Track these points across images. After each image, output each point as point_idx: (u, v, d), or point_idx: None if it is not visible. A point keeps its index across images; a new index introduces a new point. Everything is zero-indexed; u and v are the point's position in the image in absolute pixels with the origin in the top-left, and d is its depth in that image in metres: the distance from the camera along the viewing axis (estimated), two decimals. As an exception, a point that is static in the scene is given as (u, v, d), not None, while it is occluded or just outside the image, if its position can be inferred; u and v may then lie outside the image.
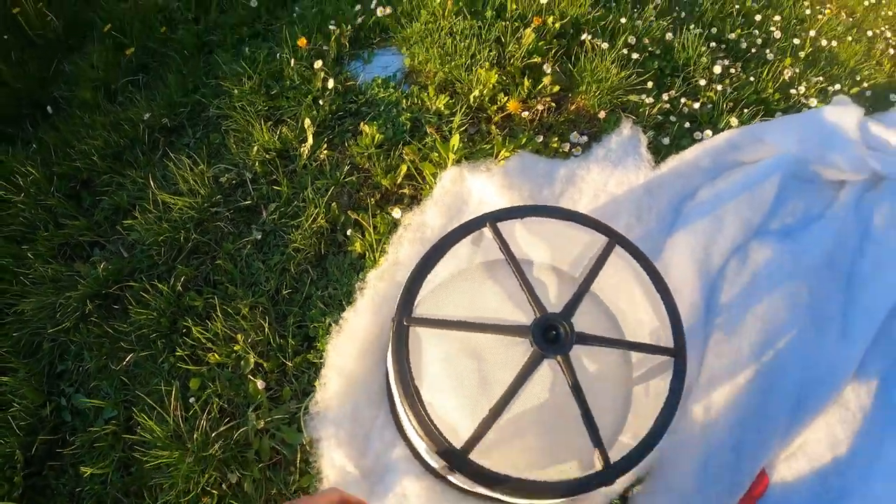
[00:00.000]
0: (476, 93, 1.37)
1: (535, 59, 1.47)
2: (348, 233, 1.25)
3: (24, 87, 2.05)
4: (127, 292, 1.30)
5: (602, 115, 1.42)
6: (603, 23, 1.66)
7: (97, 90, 1.87)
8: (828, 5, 2.40)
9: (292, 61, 1.51)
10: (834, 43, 2.06)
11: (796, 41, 1.97)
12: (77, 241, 1.47)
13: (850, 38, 2.17)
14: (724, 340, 1.23)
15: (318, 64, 1.47)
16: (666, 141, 1.43)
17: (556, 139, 1.34)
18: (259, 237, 1.30)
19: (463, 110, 1.36)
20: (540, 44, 1.49)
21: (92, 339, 1.29)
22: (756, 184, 1.34)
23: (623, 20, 1.68)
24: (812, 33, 2.06)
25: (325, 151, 1.35)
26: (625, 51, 1.57)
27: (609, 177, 1.24)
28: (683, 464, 1.11)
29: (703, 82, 1.59)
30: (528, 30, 1.50)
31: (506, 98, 1.38)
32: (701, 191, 1.34)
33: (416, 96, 1.41)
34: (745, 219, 1.30)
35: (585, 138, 1.36)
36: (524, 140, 1.30)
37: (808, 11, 2.23)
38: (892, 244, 1.43)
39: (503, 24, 1.55)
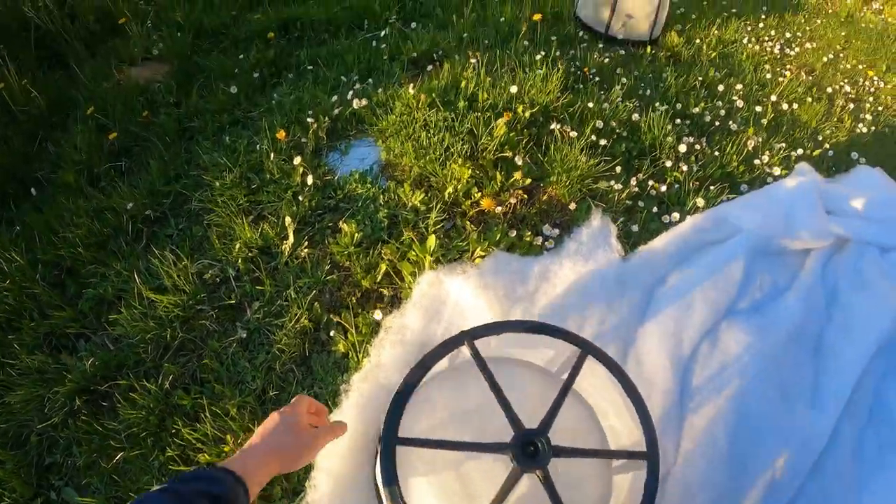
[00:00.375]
0: (450, 189, 1.44)
1: (507, 153, 1.55)
2: (331, 333, 1.29)
3: (8, 163, 2.06)
4: (115, 389, 1.32)
5: (573, 206, 1.50)
6: (571, 109, 1.76)
7: (80, 174, 1.90)
8: (788, 66, 2.54)
9: (272, 155, 1.57)
10: (795, 105, 2.17)
11: (758, 108, 2.08)
12: (63, 331, 1.49)
13: (809, 99, 2.28)
14: (698, 424, 1.30)
15: (298, 160, 1.53)
16: (635, 227, 1.52)
17: (529, 233, 1.42)
18: (244, 336, 1.33)
19: (438, 207, 1.43)
20: (511, 135, 1.58)
21: (81, 435, 1.30)
22: (723, 265, 1.42)
23: (591, 104, 1.78)
24: (773, 98, 2.17)
25: (306, 249, 1.41)
26: (593, 137, 1.66)
27: (581, 270, 1.32)
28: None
29: (669, 163, 1.69)
30: (500, 121, 1.58)
31: (479, 193, 1.46)
32: (670, 276, 1.42)
33: (393, 192, 1.48)
34: (714, 301, 1.37)
35: (557, 231, 1.44)
36: (498, 236, 1.37)
37: (769, 76, 2.36)
38: (857, 308, 1.50)
39: (475, 115, 1.63)
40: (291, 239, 1.41)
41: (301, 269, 1.39)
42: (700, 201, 1.63)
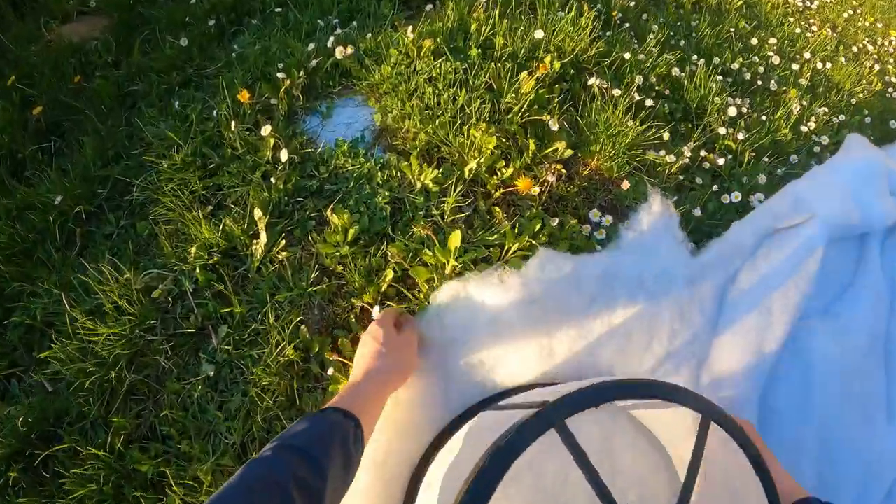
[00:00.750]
0: (472, 164, 1.09)
1: (538, 115, 1.20)
2: (328, 370, 0.97)
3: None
4: (56, 451, 1.01)
5: (625, 185, 1.16)
6: (606, 60, 1.40)
7: (1, 162, 1.52)
8: (812, 21, 2.35)
9: (233, 123, 1.20)
10: (828, 65, 1.97)
11: (795, 66, 1.86)
12: (-13, 371, 1.16)
13: (841, 58, 2.09)
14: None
15: (267, 129, 1.17)
16: (697, 212, 1.20)
17: (574, 220, 1.08)
18: (211, 373, 1.01)
19: (457, 188, 1.09)
20: (541, 92, 1.22)
21: (21, 513, 1.00)
22: (801, 260, 1.15)
23: (627, 55, 1.41)
24: (807, 55, 1.96)
25: (284, 251, 1.06)
26: (636, 95, 1.31)
27: (644, 270, 1.00)
28: None
29: (722, 130, 1.36)
30: (525, 74, 1.22)
31: (508, 168, 1.11)
32: (742, 273, 1.13)
33: (395, 167, 1.13)
34: (794, 305, 1.11)
35: (609, 217, 1.10)
36: (538, 226, 1.03)
37: (797, 30, 2.14)
38: None
39: (493, 65, 1.26)
40: (264, 237, 1.07)
41: (279, 277, 1.05)
42: (762, 177, 1.32)
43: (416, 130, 1.18)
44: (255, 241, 1.08)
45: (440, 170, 1.12)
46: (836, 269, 1.27)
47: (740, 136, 1.39)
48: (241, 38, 1.57)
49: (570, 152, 1.16)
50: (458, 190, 1.09)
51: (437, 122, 1.17)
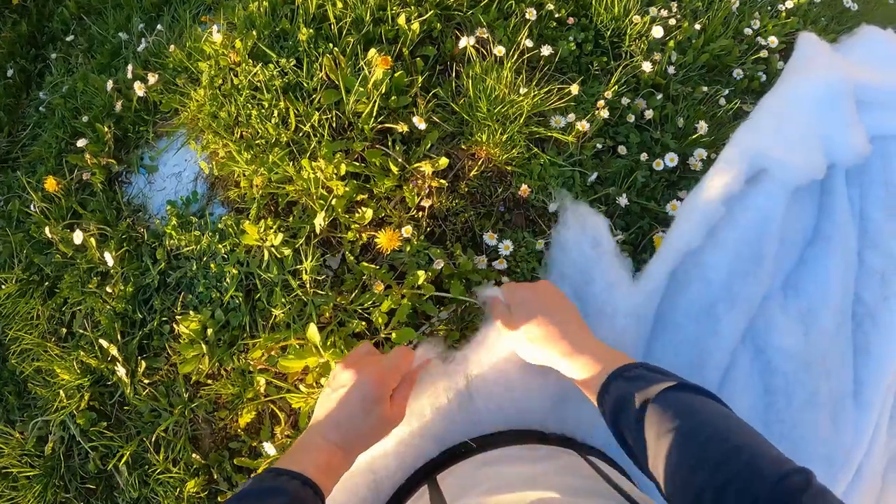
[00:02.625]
0: (321, 216, 0.86)
1: (398, 106, 0.91)
2: (238, 483, 0.88)
3: None
4: None
5: (524, 189, 0.90)
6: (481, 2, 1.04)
7: None
8: None
9: (47, 227, 0.99)
10: None
11: None
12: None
13: None
14: None
15: (79, 237, 0.95)
16: (624, 201, 0.93)
17: (462, 255, 0.86)
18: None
19: (311, 247, 0.88)
20: (398, 75, 0.92)
21: None
22: (756, 244, 0.92)
23: None
24: None
25: (147, 376, 0.92)
26: (528, 42, 0.98)
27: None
28: None
29: (647, 66, 1.02)
30: (374, 52, 0.91)
31: (367, 207, 0.87)
32: (688, 277, 0.91)
33: (235, 231, 0.92)
34: (748, 296, 0.91)
35: (509, 244, 0.87)
36: (420, 278, 0.82)
37: None
38: (893, 249, 1.08)
39: (331, 48, 0.96)
40: (121, 367, 0.92)
41: (154, 398, 0.93)
42: (702, 125, 1.01)
43: (250, 174, 0.94)
44: (115, 366, 0.94)
45: (287, 226, 0.90)
46: (795, 222, 1.01)
47: (671, 69, 1.05)
48: (48, 78, 1.27)
49: (444, 161, 0.89)
50: (313, 250, 0.88)
51: (270, 154, 0.92)
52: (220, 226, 0.93)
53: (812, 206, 1.09)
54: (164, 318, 0.93)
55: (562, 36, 1.08)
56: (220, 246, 0.92)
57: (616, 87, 1.03)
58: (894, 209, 1.10)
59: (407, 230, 0.86)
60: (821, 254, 1.05)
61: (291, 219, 0.91)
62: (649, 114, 1.01)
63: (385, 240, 0.82)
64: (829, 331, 1.00)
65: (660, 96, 1.05)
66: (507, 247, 0.86)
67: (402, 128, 0.89)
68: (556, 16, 1.08)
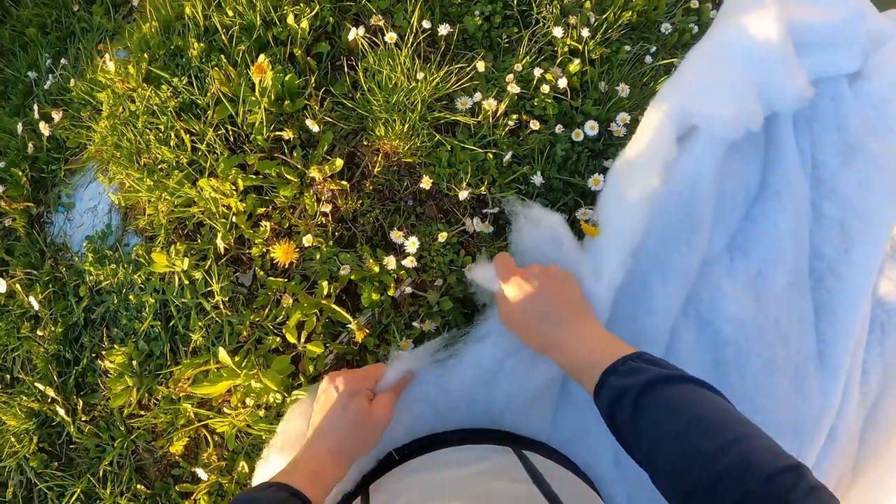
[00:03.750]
0: (221, 238, 0.84)
1: (292, 110, 0.88)
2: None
3: None
4: None
5: (425, 181, 0.85)
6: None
7: None
8: None
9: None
10: None
11: None
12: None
13: None
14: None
15: (2, 285, 0.96)
16: (538, 179, 0.87)
17: (376, 254, 0.83)
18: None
19: (219, 267, 0.86)
20: (288, 78, 0.88)
21: None
22: (688, 211, 0.85)
23: None
24: None
25: (87, 415, 0.93)
26: (426, 23, 0.93)
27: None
28: None
29: (558, 31, 0.95)
30: (264, 57, 0.87)
31: (270, 220, 0.85)
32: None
33: (146, 260, 0.90)
34: (683, 268, 0.85)
35: (415, 240, 0.82)
36: (325, 289, 0.80)
37: None
38: (851, 192, 1.00)
39: (222, 60, 0.93)
40: (61, 407, 0.93)
41: (97, 434, 0.94)
42: (623, 87, 0.94)
43: (154, 200, 0.92)
44: (56, 407, 0.95)
45: (196, 248, 0.88)
46: (737, 179, 0.94)
47: (585, 32, 0.98)
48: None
49: (339, 163, 0.86)
50: (219, 269, 0.86)
51: (171, 180, 0.90)
52: (133, 256, 0.92)
53: (756, 159, 1.02)
54: (94, 354, 0.94)
55: (468, 11, 1.02)
56: (135, 276, 0.91)
57: (528, 58, 0.97)
58: (850, 153, 1.02)
59: (308, 239, 0.84)
60: (769, 210, 0.98)
61: (199, 240, 0.90)
62: (563, 83, 0.95)
63: (281, 253, 0.80)
64: (782, 292, 0.93)
65: (577, 62, 0.99)
66: (413, 243, 0.82)
67: (288, 134, 0.86)
68: (458, -13, 1.03)
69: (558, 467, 0.73)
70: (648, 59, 1.04)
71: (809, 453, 0.96)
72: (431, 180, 0.85)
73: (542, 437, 0.82)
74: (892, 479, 1.03)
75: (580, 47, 1.00)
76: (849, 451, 1.02)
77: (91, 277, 0.94)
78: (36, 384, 0.94)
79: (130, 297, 0.91)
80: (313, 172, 0.83)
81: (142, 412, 0.90)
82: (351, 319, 0.80)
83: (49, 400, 0.95)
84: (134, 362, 0.88)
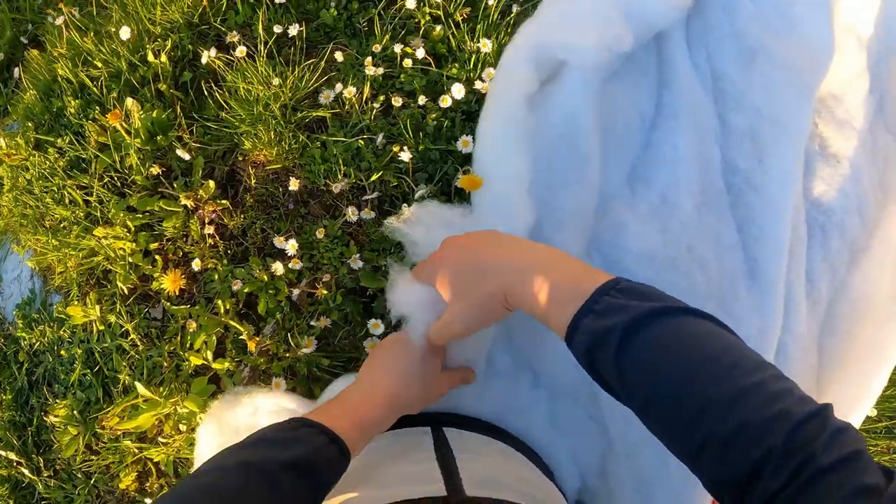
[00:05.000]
0: (121, 277, 0.88)
1: (161, 146, 0.91)
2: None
3: None
4: None
5: (293, 183, 0.86)
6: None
7: None
8: None
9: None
10: None
11: None
12: None
13: None
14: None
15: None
16: (406, 156, 0.86)
17: (265, 264, 0.85)
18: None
19: (128, 307, 0.89)
20: (155, 114, 0.90)
21: None
22: (566, 149, 0.81)
23: None
24: None
25: (48, 471, 0.98)
26: (276, 28, 0.94)
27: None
28: None
29: (412, 3, 0.95)
30: (130, 100, 0.90)
31: (165, 245, 0.88)
32: None
33: (66, 315, 0.95)
34: (576, 212, 0.82)
35: (294, 243, 0.84)
36: (221, 307, 0.82)
37: None
38: (758, 97, 0.94)
39: (96, 112, 0.96)
40: (25, 469, 0.99)
41: (62, 487, 0.99)
42: (485, 43, 0.92)
43: (63, 258, 0.96)
44: (21, 469, 1.01)
45: (108, 294, 0.92)
46: (635, 104, 0.89)
47: None
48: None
49: (211, 185, 0.88)
50: (126, 309, 0.90)
51: (72, 236, 0.94)
52: (55, 314, 0.97)
53: (648, 84, 0.98)
54: (42, 413, 0.99)
55: (324, 5, 1.03)
56: (62, 333, 0.96)
57: (387, 36, 0.97)
58: (750, 58, 0.97)
59: (197, 263, 0.86)
60: (668, 133, 0.93)
61: (109, 286, 0.93)
62: (421, 53, 0.94)
63: (169, 283, 0.83)
64: (692, 216, 0.89)
65: (439, 28, 0.98)
66: (293, 246, 0.83)
67: (156, 170, 0.89)
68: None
69: (485, 440, 0.72)
70: (515, 7, 1.02)
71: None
72: (299, 181, 0.86)
73: (475, 413, 0.80)
74: (856, 387, 0.98)
75: (440, 13, 0.99)
76: (807, 365, 0.98)
77: (25, 342, 0.99)
78: (-1, 451, 1.00)
79: (62, 352, 0.96)
80: (185, 200, 0.85)
81: (93, 457, 0.95)
82: (243, 331, 0.82)
83: (14, 464, 1.01)
84: (75, 412, 0.93)
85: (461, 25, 1.00)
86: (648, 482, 0.81)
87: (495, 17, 0.99)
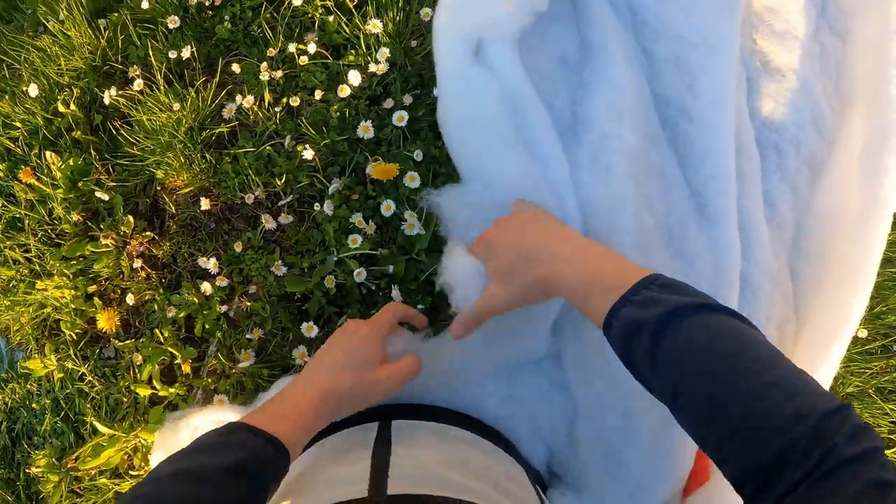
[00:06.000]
0: (66, 329, 0.90)
1: (81, 191, 0.92)
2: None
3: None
4: None
5: (204, 203, 0.86)
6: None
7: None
8: None
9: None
10: None
11: None
12: None
13: None
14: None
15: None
16: (309, 154, 0.86)
17: (196, 286, 0.85)
18: None
19: (79, 350, 0.92)
20: (72, 162, 0.92)
21: None
22: (506, 120, 0.77)
23: None
24: None
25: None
26: (172, 53, 0.94)
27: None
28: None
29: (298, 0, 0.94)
30: (50, 154, 0.92)
31: (104, 285, 0.90)
32: None
33: (28, 370, 0.98)
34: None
35: (215, 262, 0.84)
36: (160, 336, 0.83)
37: None
38: (678, 26, 0.89)
39: (16, 177, 0.99)
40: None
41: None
42: (375, 26, 0.90)
43: (17, 315, 0.99)
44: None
45: (63, 340, 0.95)
46: (555, 51, 0.86)
47: None
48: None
49: (130, 219, 0.89)
50: (82, 352, 0.92)
51: (20, 294, 0.97)
52: (20, 370, 1.00)
53: (569, 30, 0.94)
54: (26, 466, 1.03)
55: (218, 20, 1.02)
56: (28, 386, 0.99)
57: (280, 39, 0.96)
58: None
59: (131, 297, 0.88)
60: (601, 66, 0.84)
61: (61, 335, 0.96)
62: (312, 48, 0.93)
63: (104, 322, 0.84)
64: (637, 150, 0.80)
65: (332, 18, 0.96)
66: (214, 264, 0.84)
67: (76, 216, 0.91)
68: (206, 5, 1.03)
69: (440, 428, 0.68)
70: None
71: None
72: (210, 200, 0.86)
73: (432, 400, 0.78)
74: (837, 308, 0.91)
75: (330, 3, 0.98)
76: (779, 294, 0.92)
77: (0, 402, 1.03)
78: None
79: (33, 405, 0.99)
80: (105, 240, 0.87)
81: (77, 500, 0.98)
82: (178, 356, 0.83)
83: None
84: (53, 460, 0.96)
85: (354, 11, 0.98)
86: (616, 446, 0.76)
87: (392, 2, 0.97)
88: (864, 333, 1.07)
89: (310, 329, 0.80)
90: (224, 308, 0.85)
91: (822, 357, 0.87)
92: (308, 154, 0.86)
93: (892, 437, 1.06)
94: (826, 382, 0.85)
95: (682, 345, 0.44)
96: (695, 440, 0.43)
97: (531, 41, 0.87)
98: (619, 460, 0.75)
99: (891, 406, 1.05)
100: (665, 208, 0.86)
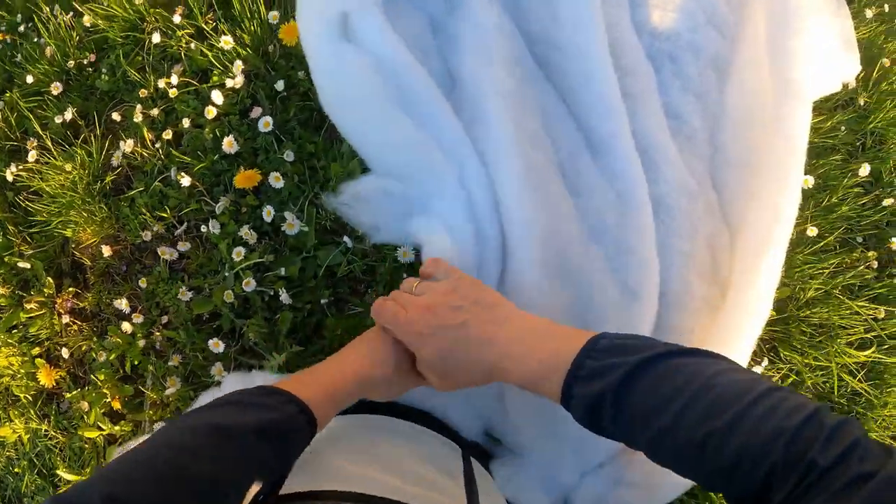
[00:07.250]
0: (20, 392, 0.96)
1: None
2: None
3: None
4: None
5: (107, 249, 0.91)
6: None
7: None
8: None
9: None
10: None
11: None
12: None
13: None
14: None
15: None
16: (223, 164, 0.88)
17: (132, 353, 0.90)
18: None
19: (37, 414, 0.98)
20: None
21: None
22: (385, 98, 0.76)
23: None
24: None
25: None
26: (58, 118, 0.99)
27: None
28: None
29: (157, 38, 0.97)
30: None
31: (49, 346, 0.96)
32: None
33: (2, 438, 1.05)
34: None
35: (125, 302, 0.89)
36: (96, 380, 0.88)
37: None
38: None
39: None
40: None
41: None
42: (226, 42, 0.93)
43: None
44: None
45: (22, 405, 1.01)
46: (419, 15, 0.85)
47: (176, 18, 0.98)
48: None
49: (50, 281, 0.94)
50: (42, 410, 0.98)
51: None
52: (-1, 440, 1.08)
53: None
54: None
55: (98, 75, 1.07)
56: (6, 453, 1.06)
57: (151, 77, 0.99)
58: None
59: (65, 351, 0.93)
60: (465, 13, 0.84)
61: (20, 399, 1.02)
62: (175, 80, 0.96)
63: (44, 377, 0.90)
64: (516, 91, 0.80)
65: (194, 44, 0.99)
66: (125, 304, 0.88)
67: (3, 290, 0.96)
68: (85, 63, 1.07)
69: (361, 417, 0.69)
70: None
71: (635, 242, 0.80)
72: (111, 246, 0.91)
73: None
74: (769, 210, 0.85)
75: (192, 30, 1.00)
76: (701, 207, 0.87)
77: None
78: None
79: (15, 469, 1.06)
80: (28, 305, 0.92)
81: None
82: (108, 395, 0.87)
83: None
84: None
85: (211, 34, 1.00)
86: (544, 406, 0.76)
87: (238, 7, 0.99)
88: (813, 232, 0.98)
89: (216, 345, 0.83)
90: (143, 342, 0.89)
91: (756, 264, 0.81)
92: (186, 181, 0.89)
93: (867, 336, 0.97)
94: (769, 291, 0.80)
95: (642, 404, 0.43)
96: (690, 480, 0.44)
97: (397, 7, 0.85)
98: (554, 418, 0.74)
99: (860, 304, 0.94)
100: (555, 147, 0.84)
